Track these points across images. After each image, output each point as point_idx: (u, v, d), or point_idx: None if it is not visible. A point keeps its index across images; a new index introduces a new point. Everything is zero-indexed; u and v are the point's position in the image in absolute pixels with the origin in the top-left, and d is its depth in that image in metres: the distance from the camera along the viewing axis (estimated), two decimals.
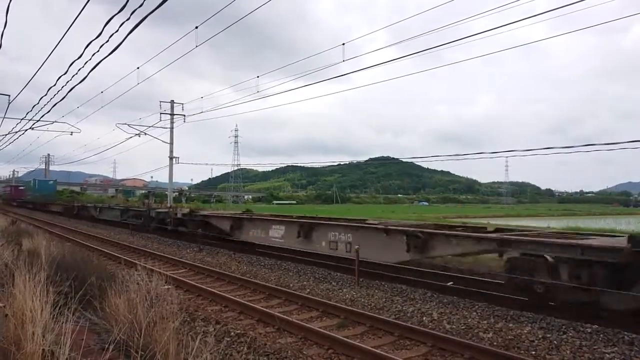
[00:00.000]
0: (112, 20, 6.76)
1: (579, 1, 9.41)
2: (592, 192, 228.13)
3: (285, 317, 8.11)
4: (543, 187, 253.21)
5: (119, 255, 15.80)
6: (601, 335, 7.19)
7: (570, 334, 7.31)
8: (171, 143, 34.17)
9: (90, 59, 8.76)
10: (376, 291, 10.62)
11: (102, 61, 8.92)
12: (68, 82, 10.95)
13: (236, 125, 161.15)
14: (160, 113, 33.71)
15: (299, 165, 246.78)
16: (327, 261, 14.28)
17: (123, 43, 7.65)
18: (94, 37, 7.65)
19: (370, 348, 6.54)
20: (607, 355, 6.43)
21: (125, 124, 33.99)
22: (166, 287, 6.71)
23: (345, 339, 6.97)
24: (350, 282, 11.67)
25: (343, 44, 16.01)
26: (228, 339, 7.14)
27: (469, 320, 8.23)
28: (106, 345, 4.06)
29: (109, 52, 8.22)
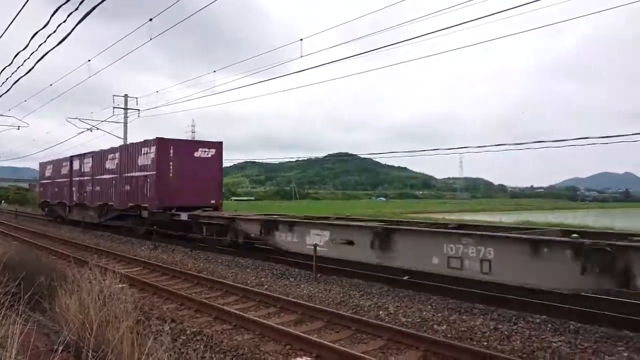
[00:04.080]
0: (59, 11, 6.51)
1: (522, 5, 9.77)
2: (542, 188, 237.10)
3: (242, 314, 8.05)
4: (496, 183, 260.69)
5: (70, 254, 15.28)
6: (549, 325, 7.49)
7: (521, 325, 7.57)
8: (125, 138, 33.30)
9: (36, 50, 8.41)
10: (334, 286, 10.68)
11: (50, 52, 8.58)
12: (13, 73, 10.50)
13: (193, 121, 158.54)
14: (114, 107, 32.81)
15: (257, 161, 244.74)
16: None
17: (72, 34, 7.38)
18: (41, 27, 7.35)
19: (327, 343, 6.58)
20: (555, 344, 6.70)
21: (77, 118, 32.89)
22: (120, 285, 6.54)
23: (302, 334, 6.98)
24: (308, 277, 11.70)
25: (301, 39, 15.98)
26: (184, 337, 7.03)
27: (424, 313, 8.40)
28: (55, 347, 3.93)
29: (57, 42, 7.91)
